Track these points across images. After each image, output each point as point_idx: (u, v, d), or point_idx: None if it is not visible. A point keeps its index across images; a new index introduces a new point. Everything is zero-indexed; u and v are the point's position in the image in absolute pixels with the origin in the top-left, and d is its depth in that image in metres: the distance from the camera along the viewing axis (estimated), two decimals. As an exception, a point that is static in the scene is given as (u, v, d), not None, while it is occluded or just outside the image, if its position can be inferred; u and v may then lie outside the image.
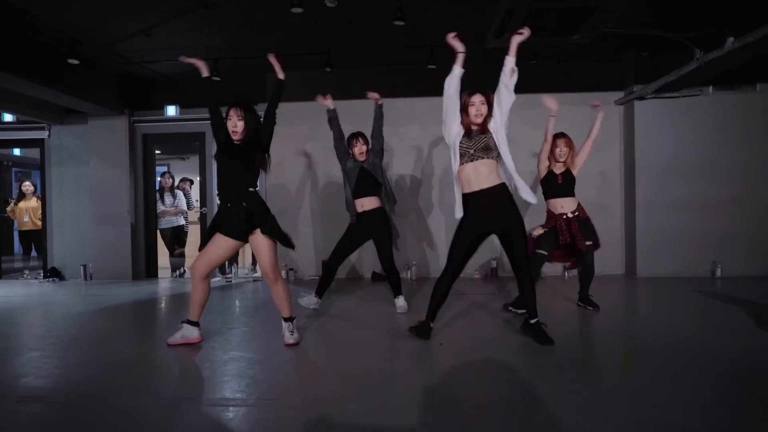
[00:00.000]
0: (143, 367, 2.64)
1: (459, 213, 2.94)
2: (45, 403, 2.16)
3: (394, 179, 5.89)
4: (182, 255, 6.72)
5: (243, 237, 2.83)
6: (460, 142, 2.85)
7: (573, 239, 3.54)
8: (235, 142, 2.85)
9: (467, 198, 2.85)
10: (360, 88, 5.94)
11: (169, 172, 6.55)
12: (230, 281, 5.82)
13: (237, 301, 4.64)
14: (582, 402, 2.07)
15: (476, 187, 2.80)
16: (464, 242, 2.89)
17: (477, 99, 2.87)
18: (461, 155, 2.84)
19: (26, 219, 6.95)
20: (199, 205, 6.67)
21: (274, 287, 2.90)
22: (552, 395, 2.13)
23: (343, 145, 3.93)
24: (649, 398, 2.06)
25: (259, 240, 2.80)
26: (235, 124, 2.80)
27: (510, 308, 3.71)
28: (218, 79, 5.32)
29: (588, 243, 3.60)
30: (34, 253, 7.45)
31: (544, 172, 3.71)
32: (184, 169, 9.52)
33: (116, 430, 1.90)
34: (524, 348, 2.81)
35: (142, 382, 2.41)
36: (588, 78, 5.63)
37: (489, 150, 2.81)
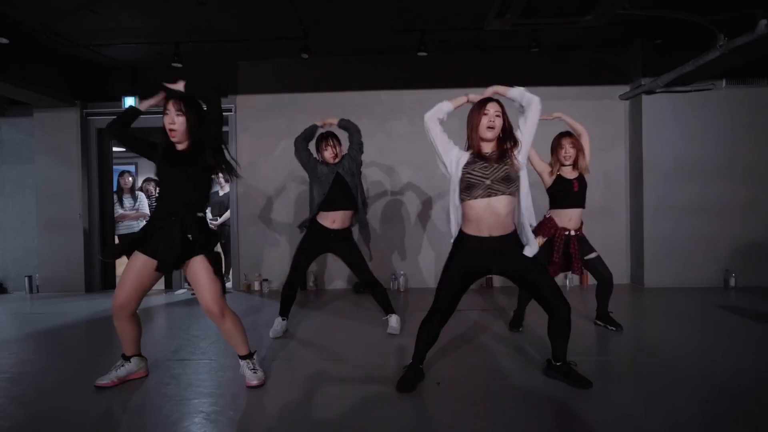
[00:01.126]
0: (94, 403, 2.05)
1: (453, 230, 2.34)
2: None
3: (380, 179, 5.34)
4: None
5: (169, 268, 2.29)
6: (470, 170, 2.18)
7: (569, 259, 3.14)
8: (177, 146, 2.28)
9: (470, 239, 2.23)
10: (342, 79, 5.40)
11: (128, 171, 5.86)
12: (195, 294, 5.18)
13: (195, 321, 4.02)
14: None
15: (485, 233, 2.19)
16: (456, 280, 2.26)
17: (492, 109, 2.20)
18: (471, 186, 2.17)
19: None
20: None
21: (222, 325, 2.31)
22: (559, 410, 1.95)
23: (305, 145, 3.33)
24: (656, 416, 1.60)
25: (197, 267, 2.24)
26: (173, 120, 2.21)
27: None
28: (180, 65, 4.70)
29: (593, 255, 3.19)
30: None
31: (549, 179, 3.21)
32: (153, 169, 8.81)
33: None
34: (533, 382, 2.31)
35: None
36: (591, 69, 5.17)
37: (509, 182, 2.16)
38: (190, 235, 2.21)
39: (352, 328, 3.59)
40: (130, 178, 5.77)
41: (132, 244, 2.30)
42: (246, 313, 3.95)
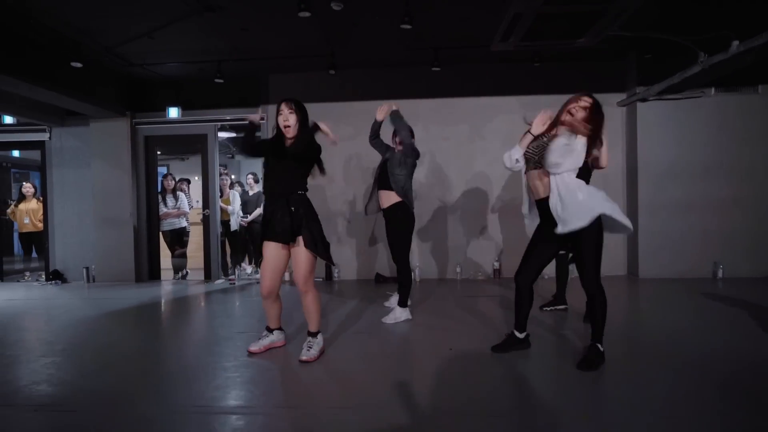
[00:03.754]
0: (153, 374, 2.65)
1: (527, 222, 2.84)
2: (60, 412, 2.16)
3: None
4: (184, 256, 6.70)
5: (289, 241, 2.68)
6: (529, 147, 2.66)
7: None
8: (288, 139, 2.71)
9: (538, 204, 2.70)
10: (362, 90, 5.96)
11: (170, 173, 6.52)
12: (234, 283, 5.82)
13: (240, 304, 4.64)
14: (586, 405, 2.09)
15: (542, 194, 2.64)
16: (535, 244, 2.73)
17: (584, 102, 2.68)
18: (526, 161, 2.69)
19: (26, 221, 6.91)
20: (198, 205, 6.67)
21: (303, 299, 2.77)
22: (555, 399, 2.18)
23: (376, 141, 3.86)
24: (649, 399, 2.09)
25: (299, 248, 2.67)
26: (287, 118, 2.68)
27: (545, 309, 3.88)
28: (221, 81, 5.32)
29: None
30: (34, 254, 7.41)
31: None
32: (184, 170, 9.48)
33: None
34: (534, 354, 2.83)
35: (153, 390, 2.41)
36: (590, 79, 5.62)
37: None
38: (293, 207, 2.64)
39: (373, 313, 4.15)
40: (172, 180, 6.43)
41: (262, 239, 2.76)
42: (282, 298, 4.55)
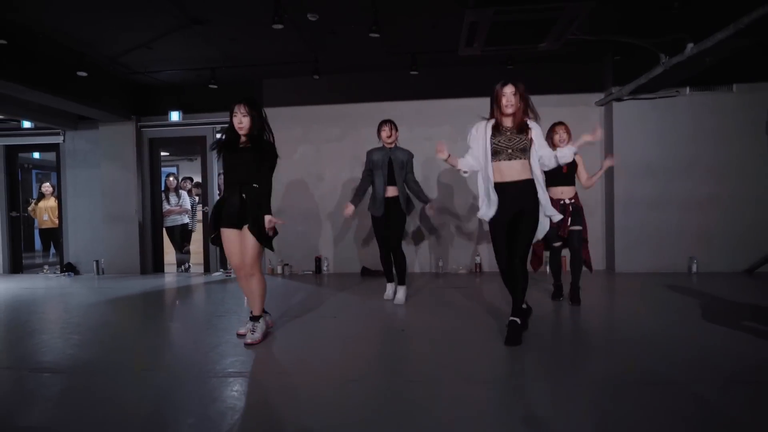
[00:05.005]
0: (145, 346, 3.02)
1: (483, 212, 2.92)
2: (53, 373, 2.53)
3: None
4: (187, 252, 7.15)
5: (236, 225, 2.88)
6: (494, 141, 2.84)
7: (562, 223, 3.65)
8: (242, 138, 2.93)
9: (497, 187, 2.86)
10: (349, 93, 6.27)
11: (173, 173, 6.97)
12: (230, 275, 6.20)
13: (230, 291, 5.01)
14: (558, 399, 2.11)
15: (508, 179, 2.83)
16: (499, 234, 2.90)
17: (508, 90, 2.80)
18: (495, 152, 2.84)
19: (45, 218, 7.45)
20: (199, 203, 7.09)
21: (248, 281, 2.92)
22: (528, 392, 2.24)
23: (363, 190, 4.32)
24: (611, 390, 2.25)
25: (246, 231, 2.87)
26: (241, 120, 2.90)
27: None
28: (215, 86, 5.70)
29: (576, 227, 3.76)
30: (53, 249, 7.98)
31: None
32: (193, 170, 9.97)
33: (118, 399, 2.22)
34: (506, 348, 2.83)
35: (144, 359, 2.77)
36: (570, 80, 5.82)
37: (525, 152, 2.83)
38: (244, 195, 2.84)
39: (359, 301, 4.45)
40: (175, 180, 6.87)
41: (216, 224, 2.96)
42: (273, 289, 4.90)
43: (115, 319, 3.94)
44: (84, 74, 4.94)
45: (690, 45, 3.92)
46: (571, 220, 3.77)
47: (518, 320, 2.86)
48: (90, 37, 4.64)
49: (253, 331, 2.95)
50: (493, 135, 2.86)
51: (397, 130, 4.12)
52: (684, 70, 4.31)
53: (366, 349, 2.93)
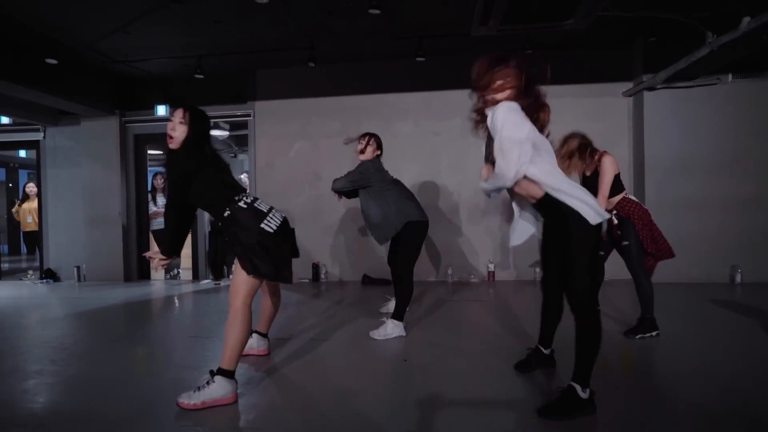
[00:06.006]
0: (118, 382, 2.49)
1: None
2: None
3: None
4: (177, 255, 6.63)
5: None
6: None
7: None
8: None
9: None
10: (351, 84, 5.73)
11: (161, 172, 6.47)
12: (219, 284, 5.69)
13: (209, 306, 4.48)
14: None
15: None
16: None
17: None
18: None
19: (29, 220, 7.00)
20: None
21: (228, 319, 2.18)
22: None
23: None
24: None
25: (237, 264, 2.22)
26: (174, 127, 2.22)
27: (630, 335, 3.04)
28: (201, 76, 5.19)
29: (624, 243, 3.03)
30: (38, 253, 7.54)
31: None
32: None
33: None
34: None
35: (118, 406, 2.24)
36: (594, 68, 5.24)
37: None
38: (220, 223, 2.25)
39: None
40: (163, 180, 6.37)
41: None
42: (259, 302, 4.36)
43: (84, 344, 3.42)
44: (54, 62, 4.46)
45: (746, 19, 3.33)
46: (619, 234, 3.06)
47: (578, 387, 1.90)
48: (60, 20, 4.15)
49: (198, 388, 2.10)
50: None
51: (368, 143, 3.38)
52: (734, 51, 3.72)
53: (355, 388, 2.38)
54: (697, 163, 4.89)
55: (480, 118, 2.12)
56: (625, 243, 3.02)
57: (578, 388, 1.89)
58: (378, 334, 3.11)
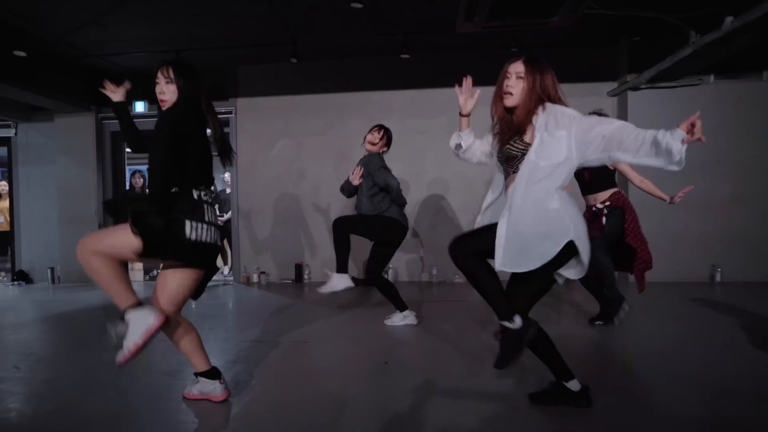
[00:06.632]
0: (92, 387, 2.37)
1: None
2: None
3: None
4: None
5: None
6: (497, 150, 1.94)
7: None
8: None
9: None
10: (335, 81, 5.63)
11: (140, 171, 6.30)
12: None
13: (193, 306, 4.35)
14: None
15: None
16: None
17: (512, 69, 1.84)
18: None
19: (1, 219, 6.76)
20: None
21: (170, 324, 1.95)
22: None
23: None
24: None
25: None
26: (162, 89, 2.00)
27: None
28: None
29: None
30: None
31: None
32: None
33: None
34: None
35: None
36: (579, 68, 5.21)
37: (512, 160, 1.84)
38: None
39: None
40: (141, 178, 6.20)
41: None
42: (242, 303, 4.24)
43: (58, 347, 3.27)
44: (22, 54, 4.27)
45: (729, 19, 3.33)
46: (608, 225, 3.18)
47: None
48: (30, 10, 3.97)
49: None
50: None
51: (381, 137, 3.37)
52: (717, 51, 3.73)
53: (337, 389, 2.30)
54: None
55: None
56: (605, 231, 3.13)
57: (563, 383, 1.93)
58: (326, 288, 3.17)
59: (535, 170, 1.74)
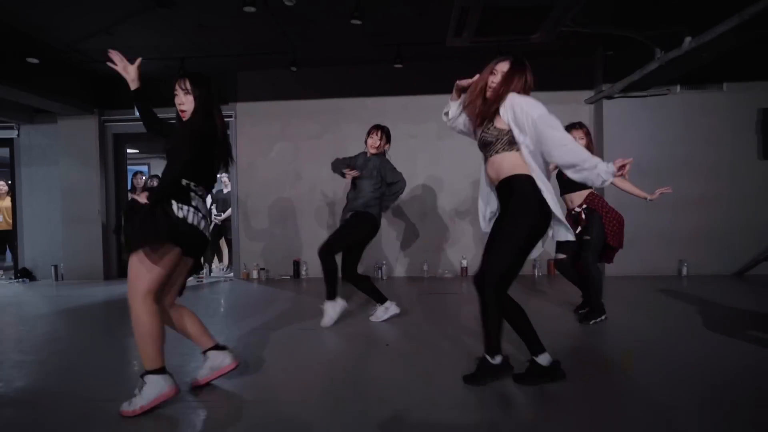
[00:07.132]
0: (111, 370, 2.62)
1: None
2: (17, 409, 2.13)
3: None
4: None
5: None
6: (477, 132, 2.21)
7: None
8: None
9: None
10: (330, 87, 5.93)
11: (141, 171, 6.51)
12: (201, 281, 5.80)
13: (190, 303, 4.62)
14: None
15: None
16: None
17: (499, 68, 2.18)
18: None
19: (0, 219, 6.89)
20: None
21: (132, 320, 2.01)
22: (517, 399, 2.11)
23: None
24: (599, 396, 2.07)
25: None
26: (182, 100, 2.22)
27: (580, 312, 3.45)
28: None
29: (585, 237, 3.25)
30: (9, 253, 7.38)
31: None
32: (164, 168, 9.47)
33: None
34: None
35: (108, 385, 2.38)
36: (559, 76, 5.61)
37: (487, 146, 2.16)
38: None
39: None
40: (143, 178, 6.41)
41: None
42: (243, 297, 4.50)
43: (65, 335, 3.51)
44: (35, 61, 4.48)
45: (688, 39, 3.74)
46: (587, 227, 3.27)
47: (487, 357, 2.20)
48: (45, 21, 4.19)
49: (135, 395, 2.01)
50: None
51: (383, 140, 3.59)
52: (680, 65, 4.14)
53: (343, 367, 2.62)
54: (650, 167, 5.33)
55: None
56: (587, 238, 3.27)
57: (534, 358, 2.15)
58: (325, 322, 3.34)
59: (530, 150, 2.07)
